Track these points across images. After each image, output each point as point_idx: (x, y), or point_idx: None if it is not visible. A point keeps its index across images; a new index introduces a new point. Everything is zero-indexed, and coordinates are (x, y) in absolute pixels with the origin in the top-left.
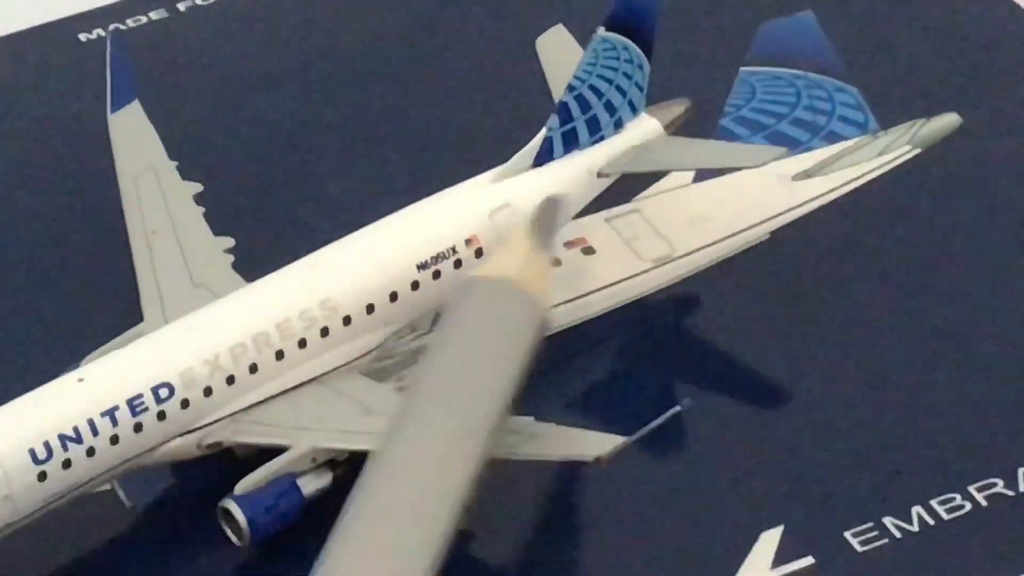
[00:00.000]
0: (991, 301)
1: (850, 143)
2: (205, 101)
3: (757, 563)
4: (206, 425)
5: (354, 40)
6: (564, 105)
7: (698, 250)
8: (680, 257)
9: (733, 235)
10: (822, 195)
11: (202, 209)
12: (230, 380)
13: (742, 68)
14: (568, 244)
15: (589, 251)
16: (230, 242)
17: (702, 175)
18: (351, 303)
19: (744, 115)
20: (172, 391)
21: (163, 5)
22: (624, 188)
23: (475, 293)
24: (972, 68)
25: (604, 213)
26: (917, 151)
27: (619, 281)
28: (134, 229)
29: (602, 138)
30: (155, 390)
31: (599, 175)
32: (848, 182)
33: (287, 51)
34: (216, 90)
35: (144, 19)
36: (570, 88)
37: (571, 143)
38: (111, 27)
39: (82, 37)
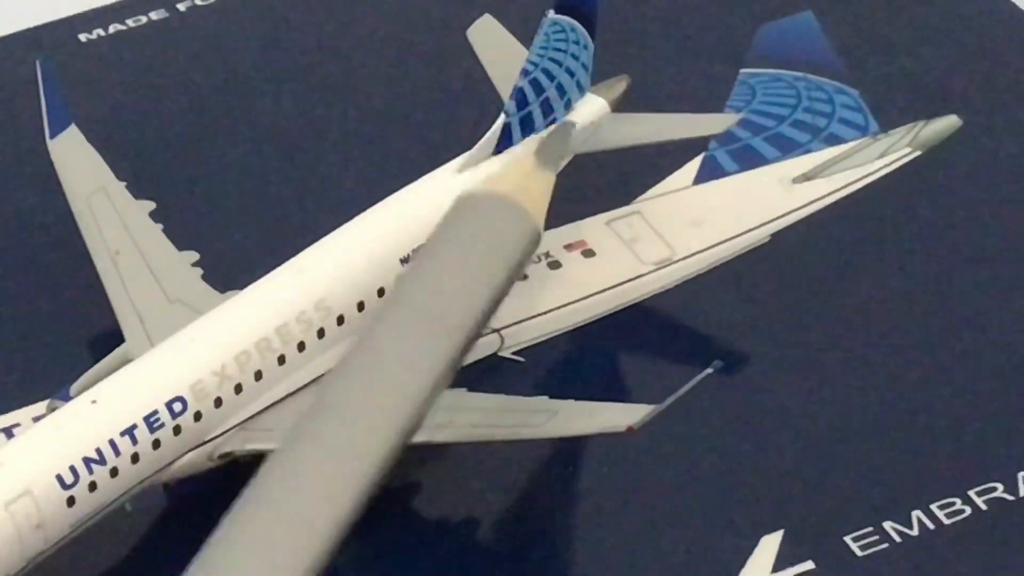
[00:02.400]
0: (991, 305)
1: (850, 145)
2: (205, 101)
3: (757, 567)
4: (218, 436)
5: (354, 41)
6: (520, 90)
7: (698, 253)
8: (680, 260)
9: (733, 238)
10: (822, 197)
11: (160, 226)
12: (238, 389)
13: (742, 70)
14: (568, 247)
15: (589, 254)
16: (194, 256)
17: (702, 176)
18: (344, 302)
19: (744, 116)
20: (185, 404)
21: (163, 5)
22: (625, 189)
23: (469, 205)
24: (972, 69)
25: (605, 215)
26: (917, 153)
27: (619, 284)
28: (97, 250)
29: (555, 120)
30: (169, 405)
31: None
32: (848, 184)
33: (287, 52)
34: (216, 91)
35: (144, 19)
36: (524, 72)
37: (528, 128)
38: (111, 27)
39: (82, 37)
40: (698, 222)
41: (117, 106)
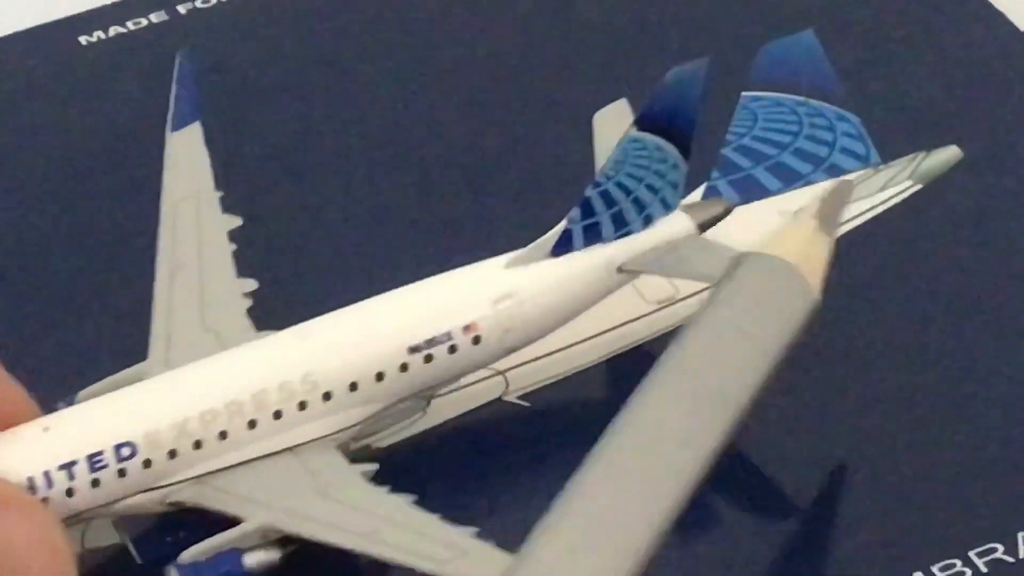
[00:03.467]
0: (993, 356)
1: (851, 177)
2: (204, 105)
3: None
4: (170, 485)
5: (357, 46)
6: (587, 200)
7: (702, 291)
8: (684, 299)
9: None
10: None
11: (233, 246)
12: (197, 444)
13: (744, 93)
14: None
15: None
16: (253, 284)
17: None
18: (333, 380)
19: (746, 143)
20: (135, 451)
21: (163, 7)
22: None
23: (750, 270)
24: (973, 94)
25: None
26: (918, 187)
27: (624, 324)
28: (162, 260)
29: (628, 233)
30: (117, 448)
31: (619, 270)
32: (851, 219)
33: (287, 53)
34: (215, 93)
35: (144, 21)
36: (595, 184)
37: (593, 236)
38: (112, 30)
39: (82, 40)
40: None
41: (116, 107)
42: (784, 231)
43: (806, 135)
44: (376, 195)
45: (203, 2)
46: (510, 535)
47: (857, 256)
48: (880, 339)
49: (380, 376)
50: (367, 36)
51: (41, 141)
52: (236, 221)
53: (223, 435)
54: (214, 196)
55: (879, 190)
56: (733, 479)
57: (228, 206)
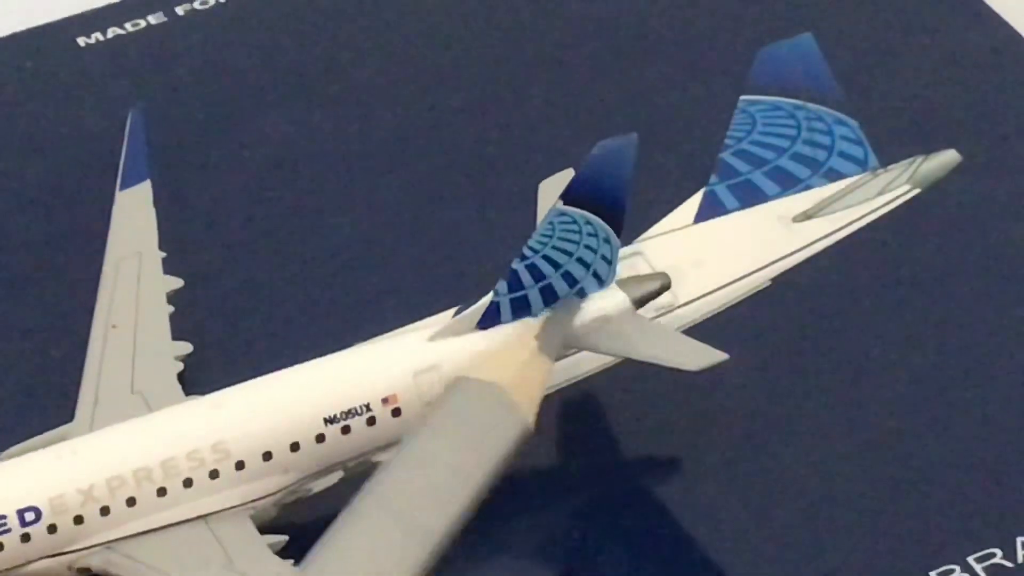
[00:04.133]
0: (992, 358)
1: (850, 181)
2: (203, 106)
3: None
4: (76, 551)
5: (355, 52)
6: (514, 272)
7: (700, 298)
8: (682, 306)
9: (735, 280)
10: (823, 237)
11: (171, 308)
12: (104, 511)
13: (742, 97)
14: None
15: None
16: (187, 348)
17: (703, 213)
18: (245, 449)
19: (744, 148)
20: (39, 516)
21: (161, 9)
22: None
23: (461, 393)
24: (971, 97)
25: None
26: (917, 191)
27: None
28: (99, 319)
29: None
30: (21, 513)
31: None
32: (849, 223)
33: (287, 54)
34: (214, 95)
35: (143, 23)
36: (522, 257)
37: (521, 309)
38: (109, 31)
39: (80, 41)
40: (699, 265)
41: (115, 109)
42: (502, 353)
43: (804, 139)
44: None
45: (201, 3)
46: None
47: (856, 259)
48: (878, 341)
49: (295, 446)
50: (367, 38)
51: (39, 141)
52: (177, 282)
53: (131, 502)
54: (157, 256)
55: (877, 194)
56: (729, 482)
57: (171, 267)
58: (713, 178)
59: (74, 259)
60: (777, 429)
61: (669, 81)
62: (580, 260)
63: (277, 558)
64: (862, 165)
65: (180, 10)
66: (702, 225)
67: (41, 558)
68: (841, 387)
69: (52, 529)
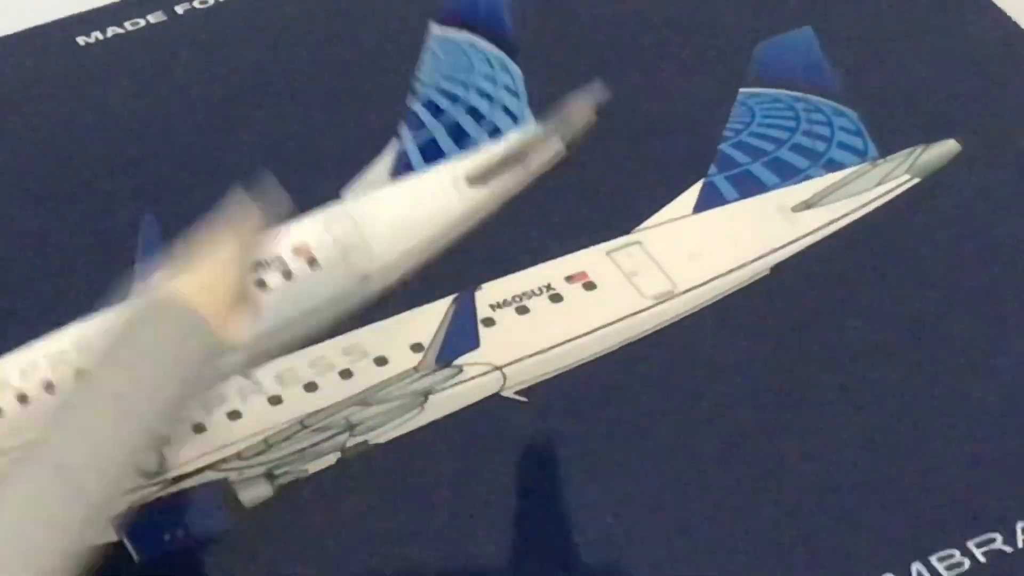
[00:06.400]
0: (992, 345)
1: (849, 171)
2: (203, 107)
3: None
4: None
5: (356, 52)
6: (413, 114)
7: (699, 286)
8: (681, 294)
9: (735, 269)
10: (822, 227)
11: None
12: None
13: (741, 89)
14: (569, 279)
15: (590, 286)
16: None
17: (702, 204)
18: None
19: (744, 140)
20: None
21: (161, 8)
22: (624, 215)
23: (139, 312)
24: (971, 87)
25: (605, 245)
26: (916, 180)
27: (621, 319)
28: None
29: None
30: None
31: (470, 184)
32: (848, 213)
33: (287, 54)
34: (214, 95)
35: (142, 22)
36: (412, 93)
37: (433, 153)
38: (109, 31)
39: (80, 41)
40: (698, 254)
41: (115, 110)
42: (191, 269)
43: (804, 130)
44: None
45: (201, 3)
46: (507, 529)
47: (854, 250)
48: (878, 331)
49: None
50: (368, 38)
51: (38, 143)
52: None
53: None
54: None
55: (877, 184)
56: (730, 472)
57: None
58: (712, 169)
59: (74, 259)
60: (776, 416)
61: (668, 74)
62: (480, 91)
63: None
64: (861, 155)
65: (180, 10)
66: (701, 215)
67: None
68: (839, 374)
69: None
